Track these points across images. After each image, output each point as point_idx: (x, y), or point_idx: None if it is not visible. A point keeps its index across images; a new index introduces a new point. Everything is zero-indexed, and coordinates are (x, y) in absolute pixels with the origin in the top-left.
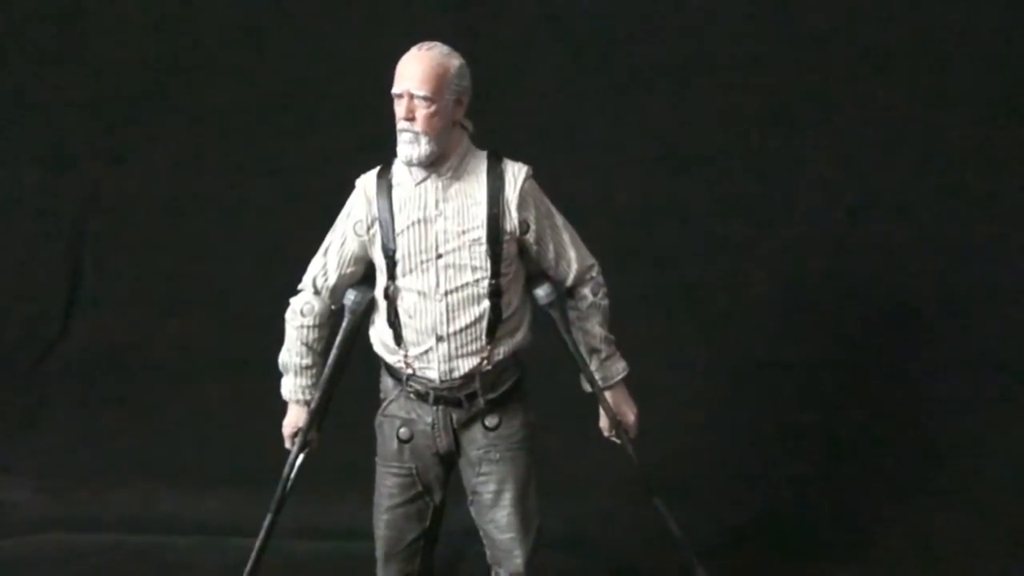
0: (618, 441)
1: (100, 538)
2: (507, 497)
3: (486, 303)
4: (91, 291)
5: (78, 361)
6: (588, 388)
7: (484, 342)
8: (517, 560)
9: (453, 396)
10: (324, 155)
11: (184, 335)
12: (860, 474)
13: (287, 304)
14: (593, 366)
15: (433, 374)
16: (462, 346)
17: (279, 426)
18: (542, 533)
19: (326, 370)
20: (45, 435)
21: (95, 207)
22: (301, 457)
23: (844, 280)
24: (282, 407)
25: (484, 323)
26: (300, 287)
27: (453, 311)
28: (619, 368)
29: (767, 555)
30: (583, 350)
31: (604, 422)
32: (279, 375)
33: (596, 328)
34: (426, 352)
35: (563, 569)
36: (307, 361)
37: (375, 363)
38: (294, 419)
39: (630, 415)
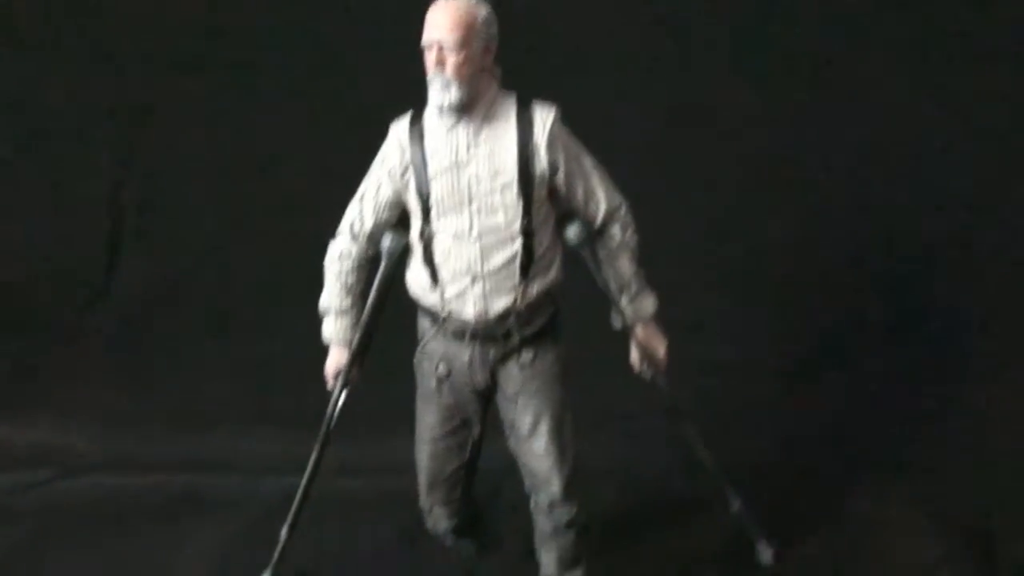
0: (649, 375)
1: (146, 479)
2: (543, 427)
3: (519, 243)
4: (134, 238)
5: (122, 309)
6: (618, 325)
7: (518, 281)
8: (554, 487)
9: (489, 333)
10: (357, 106)
11: (225, 281)
12: (890, 403)
13: (326, 249)
14: (623, 303)
15: (469, 313)
16: (497, 285)
17: (321, 367)
18: (577, 464)
19: (366, 311)
20: (91, 381)
21: (135, 160)
22: (344, 396)
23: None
24: (323, 350)
25: (517, 263)
26: (337, 232)
27: (487, 252)
28: (649, 304)
29: (798, 482)
30: (613, 287)
31: (635, 356)
32: (319, 320)
33: (626, 265)
34: (462, 292)
35: (597, 499)
36: (346, 303)
37: (413, 305)
38: (336, 360)
39: (660, 349)
